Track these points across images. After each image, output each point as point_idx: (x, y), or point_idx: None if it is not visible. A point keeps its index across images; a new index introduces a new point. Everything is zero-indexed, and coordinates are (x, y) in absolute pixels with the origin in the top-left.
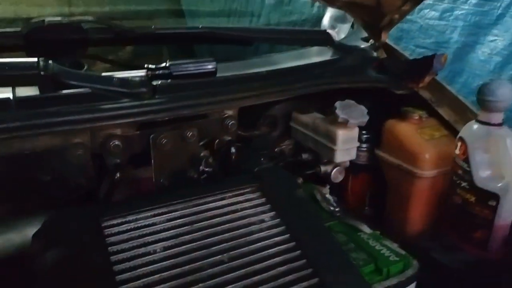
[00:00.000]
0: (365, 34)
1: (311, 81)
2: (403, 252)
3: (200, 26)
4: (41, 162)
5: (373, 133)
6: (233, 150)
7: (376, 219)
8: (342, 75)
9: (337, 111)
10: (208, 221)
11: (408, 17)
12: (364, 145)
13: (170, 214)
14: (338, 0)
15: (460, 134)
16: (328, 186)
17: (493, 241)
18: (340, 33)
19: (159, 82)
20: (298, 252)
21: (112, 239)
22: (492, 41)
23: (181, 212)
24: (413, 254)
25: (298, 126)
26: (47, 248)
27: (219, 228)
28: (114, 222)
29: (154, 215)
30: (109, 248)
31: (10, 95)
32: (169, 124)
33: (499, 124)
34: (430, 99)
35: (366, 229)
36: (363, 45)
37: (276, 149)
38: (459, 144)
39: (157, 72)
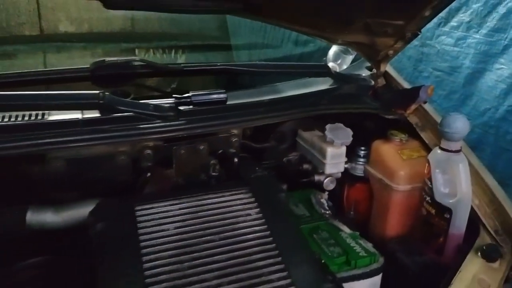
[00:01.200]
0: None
1: (306, 108)
2: (373, 250)
3: (219, 64)
4: (98, 164)
5: (369, 150)
6: (235, 160)
7: (363, 221)
8: (336, 103)
9: (326, 132)
10: (208, 212)
11: (428, 41)
12: (361, 160)
13: (181, 205)
14: (339, 40)
15: (428, 157)
16: (326, 193)
17: (448, 248)
18: (342, 64)
19: (183, 108)
20: (270, 238)
21: (141, 218)
22: (498, 69)
23: (189, 204)
24: (383, 253)
25: (301, 141)
26: (97, 221)
27: (215, 217)
28: (143, 207)
29: (171, 205)
30: (138, 224)
31: (80, 116)
32: (187, 139)
33: (457, 151)
34: (416, 123)
35: (346, 229)
36: (366, 73)
37: (284, 159)
38: (427, 165)
39: (181, 100)
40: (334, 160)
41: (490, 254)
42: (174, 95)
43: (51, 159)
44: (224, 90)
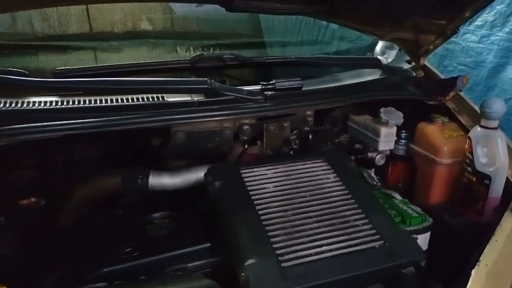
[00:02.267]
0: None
1: (364, 93)
2: (422, 212)
3: (292, 57)
4: (208, 137)
5: (410, 133)
6: (310, 136)
7: (407, 193)
8: (387, 90)
9: (381, 114)
10: (296, 175)
11: (453, 39)
12: (403, 141)
13: (275, 170)
14: (386, 36)
15: (469, 134)
16: (373, 169)
17: (487, 209)
18: (388, 57)
19: (269, 93)
20: (349, 195)
21: (247, 179)
22: None
23: (280, 169)
24: (431, 215)
25: (353, 124)
26: (214, 180)
27: (302, 179)
28: (247, 170)
29: (267, 169)
30: (246, 183)
31: (191, 99)
32: (274, 118)
33: (495, 128)
34: (453, 108)
35: (398, 196)
36: (406, 66)
37: (336, 140)
38: (467, 141)
39: (267, 87)
40: (387, 138)
41: None
42: (261, 82)
43: (173, 132)
44: (300, 78)
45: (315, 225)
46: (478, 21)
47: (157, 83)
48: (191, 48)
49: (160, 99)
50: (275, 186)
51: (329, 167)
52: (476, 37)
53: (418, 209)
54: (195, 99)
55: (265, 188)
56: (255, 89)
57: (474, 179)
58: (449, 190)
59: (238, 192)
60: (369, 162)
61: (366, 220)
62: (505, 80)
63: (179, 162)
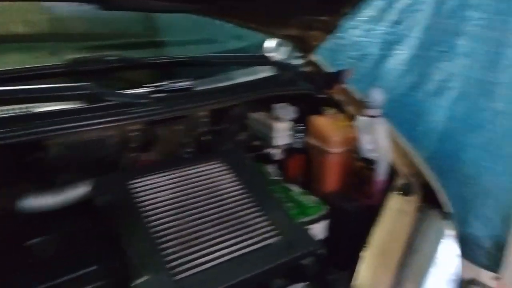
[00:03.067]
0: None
1: (257, 91)
2: (319, 201)
3: (183, 56)
4: (91, 147)
5: (305, 126)
6: (206, 138)
7: (306, 184)
8: (280, 86)
9: (274, 110)
10: (192, 179)
11: (342, 34)
12: (299, 134)
13: (168, 176)
14: (277, 34)
15: (355, 123)
16: (275, 164)
17: (375, 192)
18: (281, 54)
19: (158, 95)
20: (247, 194)
21: (136, 190)
22: (398, 54)
23: (175, 175)
24: (327, 203)
25: (251, 122)
26: (100, 194)
27: (199, 183)
28: (137, 180)
29: (159, 176)
30: (135, 194)
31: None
32: (165, 122)
33: (376, 116)
34: (341, 100)
35: (296, 188)
36: (297, 61)
37: (237, 139)
38: (354, 130)
39: (156, 89)
40: (281, 133)
41: (405, 190)
42: (148, 85)
43: (50, 145)
44: (191, 78)
45: (212, 230)
46: (362, 16)
47: (29, 92)
48: (79, 51)
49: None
50: (168, 195)
51: (226, 167)
52: (360, 31)
53: (315, 199)
54: (75, 106)
55: (157, 198)
56: (142, 92)
57: (362, 164)
58: (342, 178)
59: (126, 206)
60: (268, 158)
61: (264, 218)
62: (387, 70)
63: (62, 176)
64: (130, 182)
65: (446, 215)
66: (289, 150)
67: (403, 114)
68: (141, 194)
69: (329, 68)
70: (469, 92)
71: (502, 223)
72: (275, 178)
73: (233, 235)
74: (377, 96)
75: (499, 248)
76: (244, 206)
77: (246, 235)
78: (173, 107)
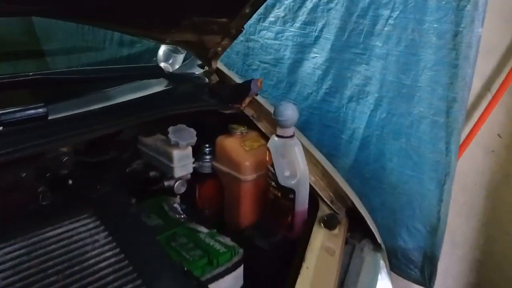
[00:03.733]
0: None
1: (143, 112)
2: (231, 243)
3: (31, 73)
4: None
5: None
6: (70, 182)
7: (217, 218)
8: (177, 103)
9: (169, 135)
10: (44, 249)
11: (252, 37)
12: (208, 157)
13: (6, 249)
14: (165, 39)
15: (267, 145)
16: (178, 196)
17: (296, 224)
18: (174, 64)
19: None
20: (125, 261)
21: None
22: (314, 57)
23: (18, 246)
24: (241, 243)
25: (144, 148)
26: None
27: (54, 253)
28: None
29: None
30: None
31: None
32: (3, 167)
33: (291, 136)
34: (252, 115)
35: (204, 229)
36: (199, 71)
37: (127, 170)
38: (267, 153)
39: None
40: (182, 162)
41: (330, 223)
42: None
43: None
44: (43, 103)
45: None
46: (271, 17)
47: None
48: None
49: None
50: (5, 278)
51: (98, 222)
52: (272, 34)
53: (228, 240)
54: None
55: None
56: None
57: (279, 194)
58: (257, 208)
59: None
60: (170, 191)
61: None
62: (304, 75)
63: None
64: None
65: (377, 246)
66: (199, 176)
67: (324, 121)
68: None
69: (236, 78)
70: (387, 97)
71: (429, 234)
72: (178, 216)
73: None
74: (289, 112)
75: (430, 261)
76: (120, 282)
77: None
78: (14, 146)
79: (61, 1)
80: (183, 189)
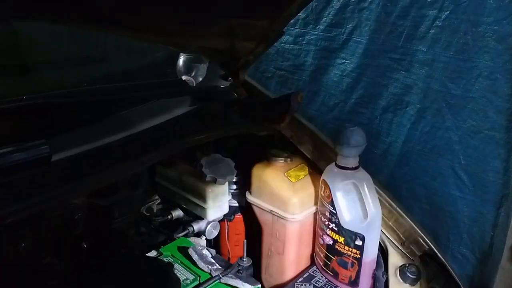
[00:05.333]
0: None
1: (170, 143)
2: None
3: (24, 97)
4: None
5: (242, 173)
6: (84, 246)
7: (255, 262)
8: (207, 128)
9: (204, 170)
10: None
11: None
12: (235, 186)
13: None
14: (189, 46)
15: (323, 177)
16: (204, 238)
17: (362, 277)
18: (198, 76)
19: None
20: None
21: None
22: (341, 63)
23: None
24: None
25: (164, 181)
26: None
27: None
28: None
29: None
30: None
31: None
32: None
33: (356, 167)
34: (291, 136)
35: (246, 286)
36: (223, 84)
37: (142, 209)
38: (323, 186)
39: None
40: (218, 202)
41: (411, 276)
42: None
43: None
44: (44, 139)
45: None
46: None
47: None
48: None
49: None
50: None
51: None
52: (290, 37)
53: None
54: None
55: None
56: None
57: (341, 239)
58: (307, 252)
59: None
60: (197, 235)
61: None
62: (329, 83)
63: None
64: None
65: None
66: (227, 214)
67: None
68: None
69: (265, 91)
70: (431, 108)
71: (479, 262)
72: (210, 267)
73: None
74: (358, 138)
75: None
76: None
77: None
78: (6, 206)
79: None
80: (215, 233)
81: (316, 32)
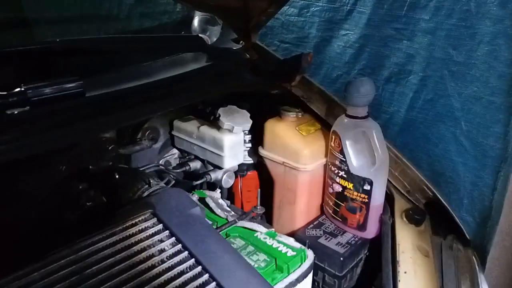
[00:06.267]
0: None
1: (189, 92)
2: (298, 245)
3: (58, 40)
4: None
5: (255, 132)
6: (116, 176)
7: (267, 214)
8: (221, 83)
9: (222, 119)
10: (99, 265)
11: None
12: (248, 145)
13: (50, 267)
14: (204, 3)
15: (333, 128)
16: (219, 190)
17: (370, 221)
18: (212, 36)
19: (15, 111)
20: (200, 267)
21: None
22: (344, 35)
23: (66, 261)
24: (305, 244)
25: (181, 134)
26: None
27: (114, 270)
28: None
29: (28, 273)
30: None
31: None
32: (33, 161)
33: (365, 117)
34: (302, 96)
35: (261, 229)
36: (235, 46)
37: (161, 161)
38: (333, 137)
39: (10, 100)
40: (234, 151)
41: (416, 218)
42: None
43: None
44: (78, 77)
45: None
46: None
47: None
48: None
49: None
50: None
51: (160, 226)
52: (295, 9)
53: (291, 241)
54: None
55: None
56: None
57: (350, 185)
58: (317, 202)
59: None
60: (212, 185)
61: None
62: (332, 55)
63: None
64: None
65: (467, 243)
66: (241, 168)
67: None
68: None
69: (276, 54)
70: (434, 76)
71: (478, 225)
72: (226, 214)
73: None
74: (368, 88)
75: (479, 254)
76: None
77: None
78: (46, 132)
79: None
80: (231, 182)
81: (321, 4)
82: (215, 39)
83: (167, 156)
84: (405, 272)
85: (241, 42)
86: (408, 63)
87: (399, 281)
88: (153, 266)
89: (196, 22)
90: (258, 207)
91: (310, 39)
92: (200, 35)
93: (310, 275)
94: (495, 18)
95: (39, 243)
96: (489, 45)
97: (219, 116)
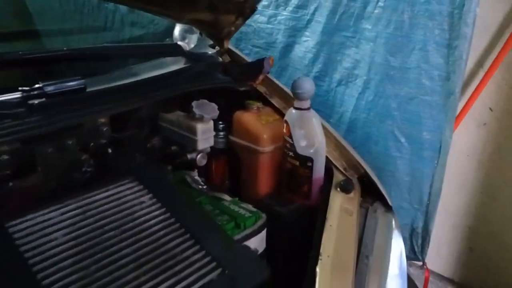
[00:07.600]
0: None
1: (168, 88)
2: (254, 209)
3: (64, 48)
4: None
5: (227, 123)
6: (109, 150)
7: (235, 189)
8: (194, 81)
9: (194, 109)
10: (97, 209)
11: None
12: (221, 133)
13: (63, 209)
14: (183, 18)
15: (285, 118)
16: (196, 170)
17: (314, 191)
18: (190, 43)
19: (35, 101)
20: (172, 219)
21: (17, 235)
22: (305, 41)
23: (72, 207)
24: (262, 209)
25: (165, 123)
26: None
27: (107, 212)
28: (19, 221)
29: (49, 212)
30: (17, 241)
31: None
32: (51, 136)
33: (308, 109)
34: (264, 92)
35: (227, 197)
36: (211, 51)
37: (148, 145)
38: (285, 125)
39: (32, 93)
40: (205, 135)
41: (346, 187)
42: (21, 88)
43: None
44: (80, 77)
45: (132, 275)
46: (264, 1)
47: None
48: None
49: None
50: (66, 234)
51: (141, 187)
52: (264, 18)
53: (250, 207)
54: None
55: (50, 241)
56: (12, 98)
57: (297, 163)
58: (275, 178)
59: (5, 259)
60: (190, 165)
61: (197, 247)
62: (295, 59)
63: None
64: (9, 225)
65: (388, 209)
66: (214, 152)
67: (313, 106)
68: (26, 239)
69: (246, 58)
70: (374, 79)
71: (416, 210)
72: (201, 187)
73: (162, 277)
74: (307, 86)
75: (421, 234)
76: (172, 235)
77: (180, 273)
78: (59, 115)
79: None
80: (204, 162)
81: (285, 13)
82: (193, 45)
83: (153, 141)
84: (330, 225)
85: (216, 47)
86: (355, 68)
87: (325, 231)
88: (134, 212)
89: (177, 31)
90: (226, 182)
91: (277, 44)
92: (179, 42)
93: (264, 232)
94: (425, 28)
95: (57, 194)
96: (421, 51)
97: (192, 107)
